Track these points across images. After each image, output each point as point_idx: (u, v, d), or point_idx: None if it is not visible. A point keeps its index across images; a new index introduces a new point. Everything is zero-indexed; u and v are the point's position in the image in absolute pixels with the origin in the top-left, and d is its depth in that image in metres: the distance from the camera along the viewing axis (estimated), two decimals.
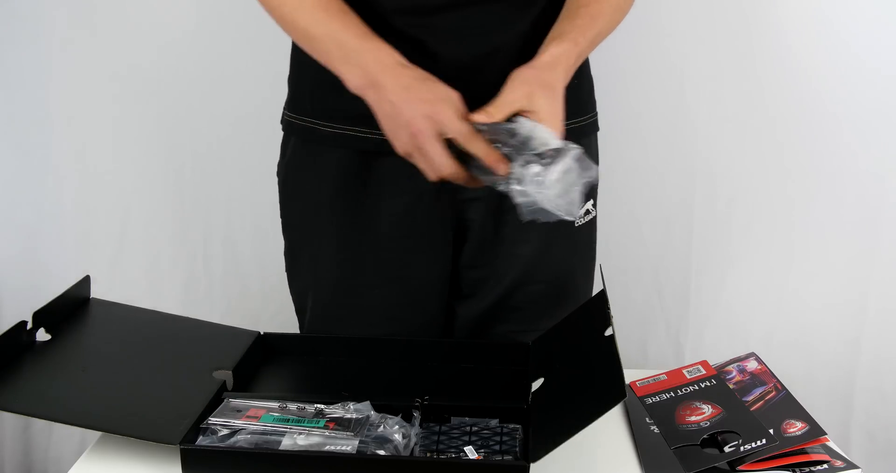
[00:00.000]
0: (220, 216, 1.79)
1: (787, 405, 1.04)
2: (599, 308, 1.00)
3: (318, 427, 0.93)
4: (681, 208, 1.74)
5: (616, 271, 1.74)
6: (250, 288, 1.78)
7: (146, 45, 1.68)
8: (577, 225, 1.21)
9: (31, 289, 1.77)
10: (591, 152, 1.27)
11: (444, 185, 1.03)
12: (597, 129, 1.27)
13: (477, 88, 1.01)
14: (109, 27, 1.67)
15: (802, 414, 1.01)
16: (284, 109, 1.22)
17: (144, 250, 1.80)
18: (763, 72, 1.63)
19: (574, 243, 1.24)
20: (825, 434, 0.96)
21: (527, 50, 1.06)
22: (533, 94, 0.97)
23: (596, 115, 1.26)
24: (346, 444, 0.91)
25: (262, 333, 1.16)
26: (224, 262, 1.82)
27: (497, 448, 0.93)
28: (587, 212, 1.23)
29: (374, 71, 0.99)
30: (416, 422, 0.96)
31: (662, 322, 1.81)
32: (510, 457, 0.91)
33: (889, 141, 1.65)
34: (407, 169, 1.02)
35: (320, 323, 1.26)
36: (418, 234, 1.17)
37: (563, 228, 1.18)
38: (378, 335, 1.20)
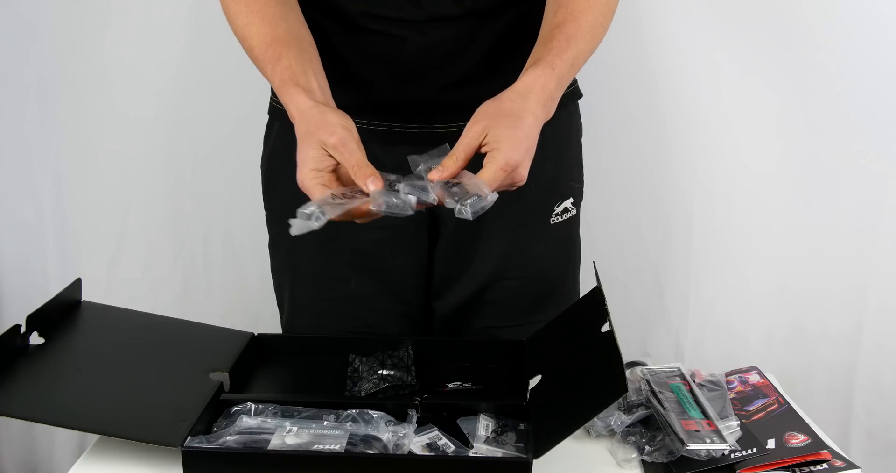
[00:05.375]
0: (219, 217, 1.79)
1: (790, 418, 1.04)
2: (594, 305, 1.00)
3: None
4: (681, 208, 1.74)
5: (616, 271, 1.76)
6: (250, 288, 1.78)
7: (146, 46, 1.68)
8: (551, 223, 1.22)
9: (33, 290, 1.77)
10: (574, 120, 1.26)
11: None
12: (579, 96, 1.26)
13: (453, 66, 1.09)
14: (110, 28, 1.67)
15: (805, 428, 1.01)
16: (272, 94, 1.22)
17: (144, 250, 1.80)
18: (763, 72, 1.63)
19: (551, 239, 1.23)
20: (826, 448, 0.96)
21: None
22: (489, 127, 0.92)
23: (575, 83, 1.24)
24: (335, 443, 0.91)
25: (255, 334, 1.16)
26: (224, 262, 1.82)
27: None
28: (565, 210, 1.24)
29: (293, 114, 0.99)
30: (413, 419, 0.96)
31: (662, 322, 1.81)
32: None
33: (889, 140, 1.64)
34: (384, 159, 1.04)
35: (299, 316, 1.26)
36: (393, 226, 1.16)
37: (536, 224, 1.21)
38: (357, 326, 1.21)
